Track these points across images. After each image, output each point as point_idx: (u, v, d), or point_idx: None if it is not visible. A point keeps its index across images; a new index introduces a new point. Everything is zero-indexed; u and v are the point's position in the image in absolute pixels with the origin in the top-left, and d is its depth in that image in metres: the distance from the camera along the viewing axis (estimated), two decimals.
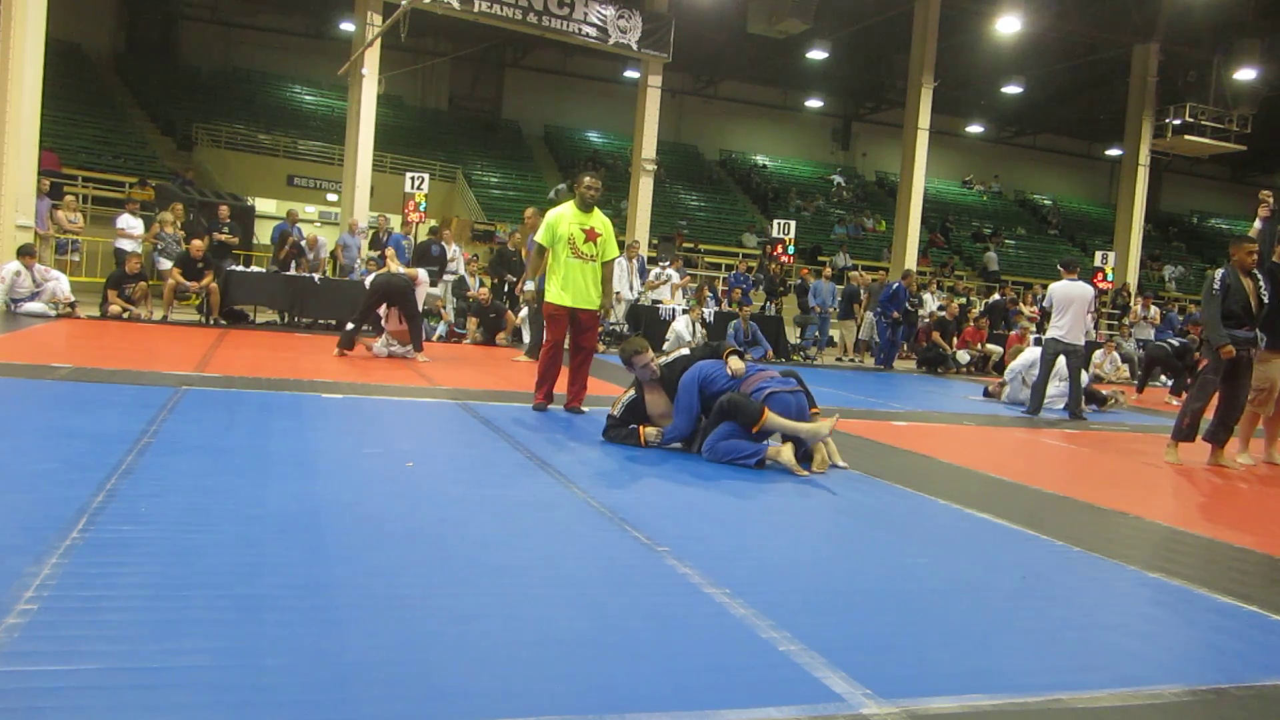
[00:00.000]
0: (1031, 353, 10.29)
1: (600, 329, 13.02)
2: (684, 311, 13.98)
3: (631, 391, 5.47)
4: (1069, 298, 9.14)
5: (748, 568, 3.11)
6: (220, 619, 2.27)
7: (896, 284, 14.94)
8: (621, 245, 17.53)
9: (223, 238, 13.71)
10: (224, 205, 14.72)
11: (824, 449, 5.05)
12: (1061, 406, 9.95)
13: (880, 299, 15.01)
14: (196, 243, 12.20)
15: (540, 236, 6.53)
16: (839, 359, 16.13)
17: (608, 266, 6.57)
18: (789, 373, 5.41)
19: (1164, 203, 35.75)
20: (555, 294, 6.40)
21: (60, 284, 11.08)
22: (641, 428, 5.32)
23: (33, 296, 10.83)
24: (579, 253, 6.35)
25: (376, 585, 2.64)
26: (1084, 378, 10.06)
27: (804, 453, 5.03)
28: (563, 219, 6.40)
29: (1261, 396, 6.65)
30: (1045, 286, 20.36)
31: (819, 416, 5.23)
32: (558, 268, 6.40)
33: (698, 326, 13.60)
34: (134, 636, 2.12)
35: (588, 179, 6.43)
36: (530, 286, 6.42)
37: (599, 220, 6.47)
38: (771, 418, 4.89)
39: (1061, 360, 9.40)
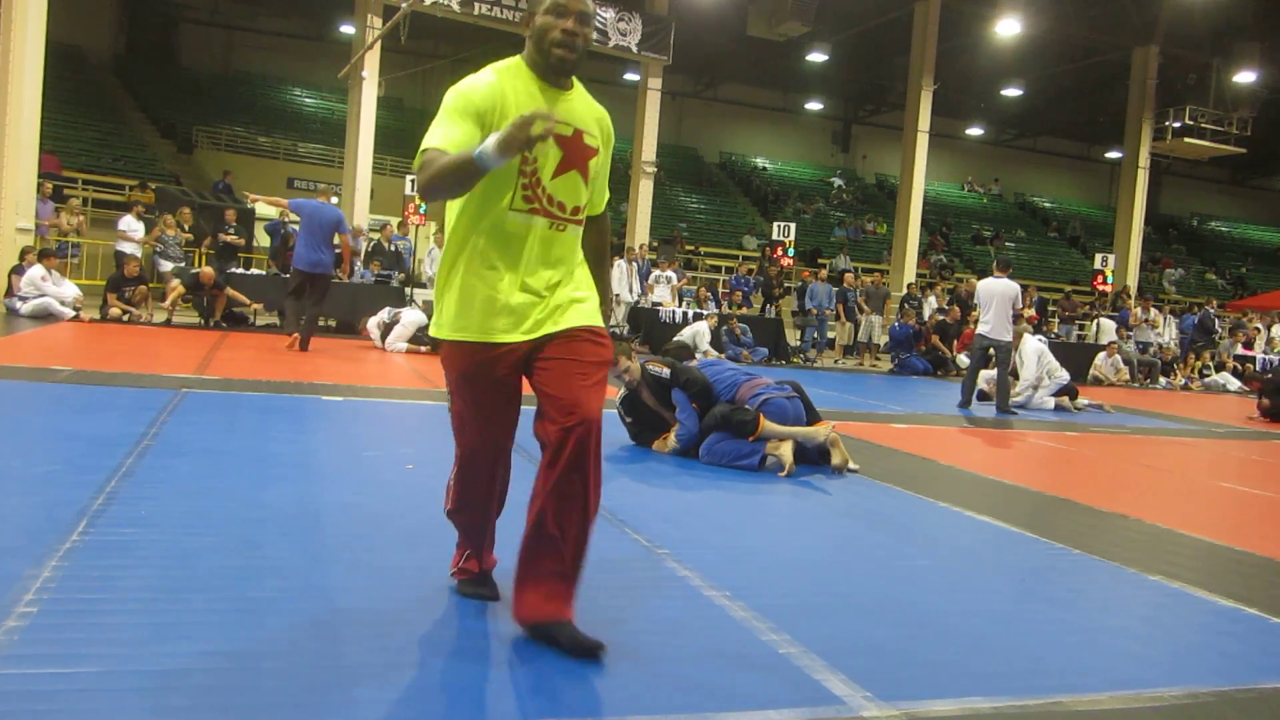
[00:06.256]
0: (1029, 358, 10.38)
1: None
2: (704, 317, 13.86)
3: (622, 389, 5.49)
4: (990, 294, 9.55)
5: (748, 570, 3.11)
6: (220, 622, 2.27)
7: None
8: (621, 248, 17.67)
9: (229, 239, 13.74)
10: (230, 209, 14.75)
11: (842, 449, 5.07)
12: (1052, 406, 10.09)
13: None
14: (208, 270, 12.07)
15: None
16: (837, 361, 16.13)
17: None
18: (788, 381, 5.42)
19: (1164, 205, 35.78)
20: None
21: (65, 292, 11.09)
22: (663, 436, 5.33)
23: (42, 295, 10.86)
24: None
25: (377, 587, 2.63)
26: (1055, 374, 10.41)
27: (820, 451, 5.08)
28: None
29: None
30: (1030, 288, 20.40)
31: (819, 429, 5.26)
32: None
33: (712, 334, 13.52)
34: (134, 639, 2.12)
35: None
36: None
37: None
38: (768, 426, 4.92)
39: (1045, 358, 10.09)
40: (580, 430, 2.21)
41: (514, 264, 2.30)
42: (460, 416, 2.45)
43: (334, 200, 12.56)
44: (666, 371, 5.27)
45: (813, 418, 5.25)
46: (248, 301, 11.95)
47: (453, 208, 2.33)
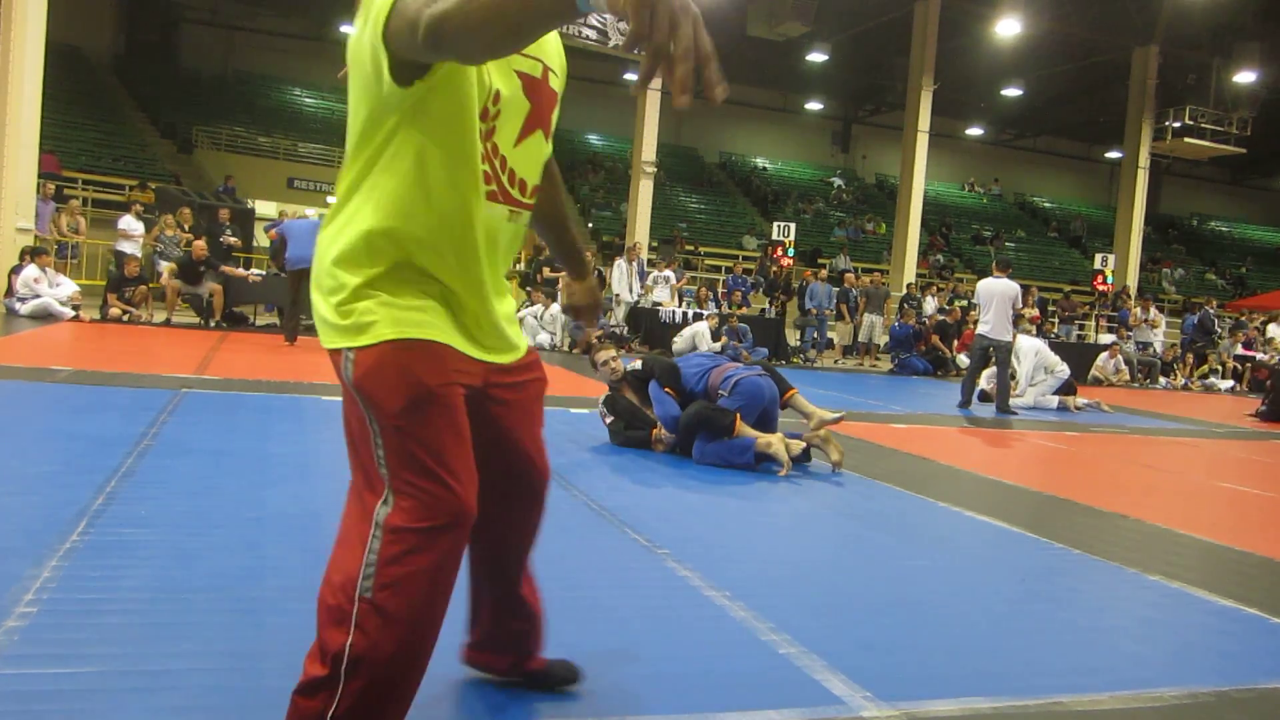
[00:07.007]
0: (1027, 359, 10.41)
1: (600, 331, 13.03)
2: (704, 318, 13.89)
3: (607, 390, 5.57)
4: (990, 294, 9.59)
5: (748, 570, 3.10)
6: (220, 622, 2.27)
7: None
8: (621, 248, 17.67)
9: (231, 240, 13.75)
10: (224, 209, 14.73)
11: (836, 445, 5.08)
12: (1055, 405, 10.13)
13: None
14: (199, 244, 12.14)
15: None
16: (837, 361, 16.14)
17: None
18: (757, 361, 5.53)
19: (1164, 205, 35.79)
20: None
21: (62, 291, 11.10)
22: (654, 430, 5.34)
23: (38, 296, 10.87)
24: None
25: None
26: (1055, 369, 10.47)
27: (815, 449, 5.14)
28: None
29: None
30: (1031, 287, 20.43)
31: (795, 397, 5.30)
32: None
33: (714, 334, 13.53)
34: (134, 639, 2.12)
35: None
36: None
37: None
38: (744, 429, 4.93)
39: (1042, 355, 10.25)
40: (547, 489, 1.88)
41: (467, 273, 1.57)
42: (425, 468, 1.49)
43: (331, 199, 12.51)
44: (639, 363, 5.46)
45: (784, 389, 5.31)
46: (245, 274, 11.98)
47: (372, 173, 1.53)
